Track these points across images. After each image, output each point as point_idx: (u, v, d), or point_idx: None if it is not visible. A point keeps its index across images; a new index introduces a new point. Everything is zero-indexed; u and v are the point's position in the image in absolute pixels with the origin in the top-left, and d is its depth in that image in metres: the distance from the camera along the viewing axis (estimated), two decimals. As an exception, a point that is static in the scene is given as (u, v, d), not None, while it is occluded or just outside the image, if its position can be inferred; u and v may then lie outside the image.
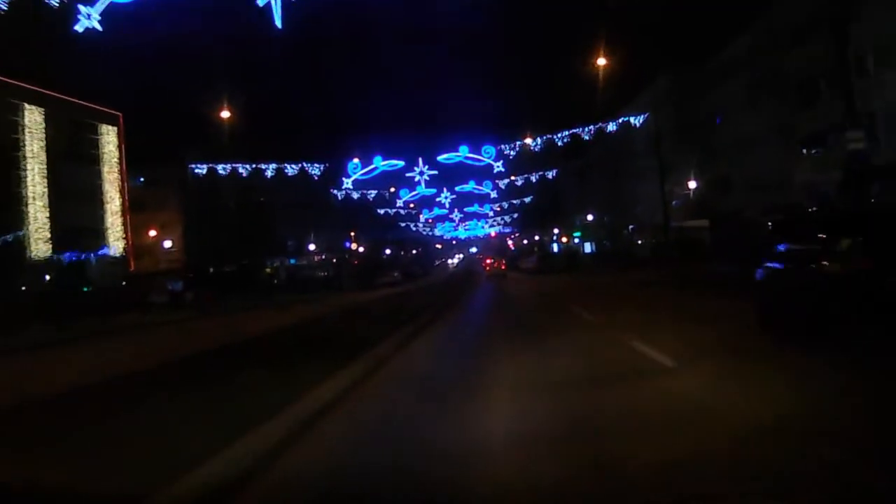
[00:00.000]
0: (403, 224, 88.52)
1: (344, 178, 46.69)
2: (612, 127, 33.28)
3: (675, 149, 46.40)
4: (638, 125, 40.92)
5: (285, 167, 33.46)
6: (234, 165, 31.00)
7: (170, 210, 63.56)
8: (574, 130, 33.14)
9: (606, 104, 41.84)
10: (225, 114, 30.26)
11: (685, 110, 41.37)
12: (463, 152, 46.15)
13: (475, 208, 66.35)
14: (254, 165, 31.88)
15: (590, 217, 61.61)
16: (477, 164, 46.96)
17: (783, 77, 34.05)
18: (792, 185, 31.53)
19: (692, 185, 38.90)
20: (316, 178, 42.78)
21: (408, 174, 49.86)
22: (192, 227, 62.85)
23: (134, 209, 54.63)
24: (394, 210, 64.89)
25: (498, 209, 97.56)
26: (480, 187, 59.53)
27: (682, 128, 44.37)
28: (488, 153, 46.38)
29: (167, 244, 63.37)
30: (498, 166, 46.53)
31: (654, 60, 42.85)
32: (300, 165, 36.23)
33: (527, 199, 63.91)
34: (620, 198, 59.84)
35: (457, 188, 61.73)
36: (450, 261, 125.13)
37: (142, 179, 56.55)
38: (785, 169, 34.02)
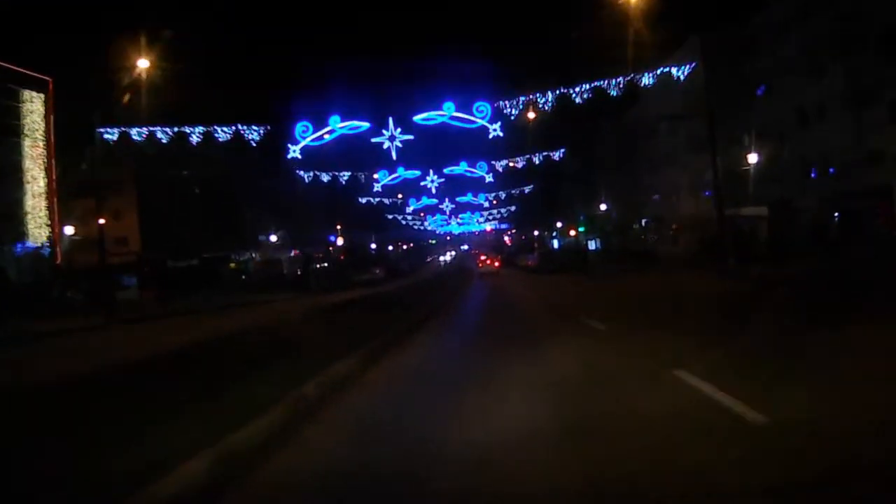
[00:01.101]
0: (391, 216, 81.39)
1: (290, 146, 29.04)
2: (646, 80, 24.90)
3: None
4: (663, 91, 33.24)
5: (215, 130, 24.96)
6: (150, 129, 23.32)
7: (126, 195, 56.36)
8: (597, 83, 24.52)
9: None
10: (143, 62, 22.71)
11: (722, 76, 34.06)
12: (448, 111, 29.26)
13: (468, 198, 58.89)
14: (176, 129, 23.85)
15: (602, 207, 54.24)
16: (469, 125, 29.14)
17: (857, 26, 26.78)
18: (881, 161, 24.25)
19: (752, 159, 31.42)
20: (254, 143, 27.98)
21: (374, 139, 30.91)
22: (148, 213, 55.52)
23: (81, 193, 47.24)
24: (377, 199, 57.34)
25: (494, 202, 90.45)
26: (474, 169, 47.17)
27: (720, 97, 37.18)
28: (482, 111, 29.02)
29: (123, 234, 56.29)
30: (495, 129, 28.21)
31: (685, 17, 35.49)
32: (234, 128, 25.89)
33: (527, 189, 56.58)
34: (635, 187, 52.48)
35: (446, 170, 45.66)
36: (441, 258, 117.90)
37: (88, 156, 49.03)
38: (861, 143, 26.76)
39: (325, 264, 61.91)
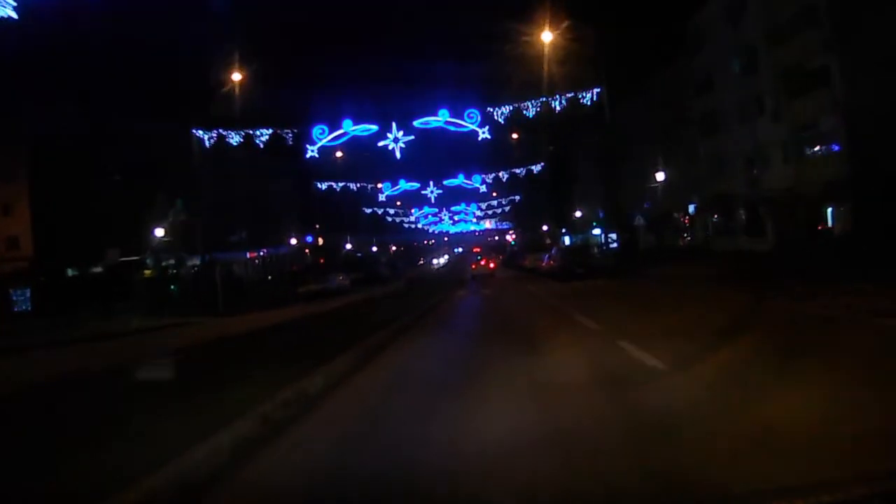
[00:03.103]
0: (378, 211, 69.19)
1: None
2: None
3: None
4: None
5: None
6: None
7: (17, 184, 43.89)
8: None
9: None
10: None
11: None
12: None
13: (460, 180, 46.98)
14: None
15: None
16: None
17: None
18: None
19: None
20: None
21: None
22: (49, 207, 42.92)
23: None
24: (358, 188, 46.43)
25: (494, 194, 77.92)
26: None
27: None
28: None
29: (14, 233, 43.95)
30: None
31: None
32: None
33: (536, 167, 44.20)
34: (684, 164, 39.38)
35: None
36: (435, 260, 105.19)
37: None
38: None
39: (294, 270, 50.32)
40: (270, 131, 27.26)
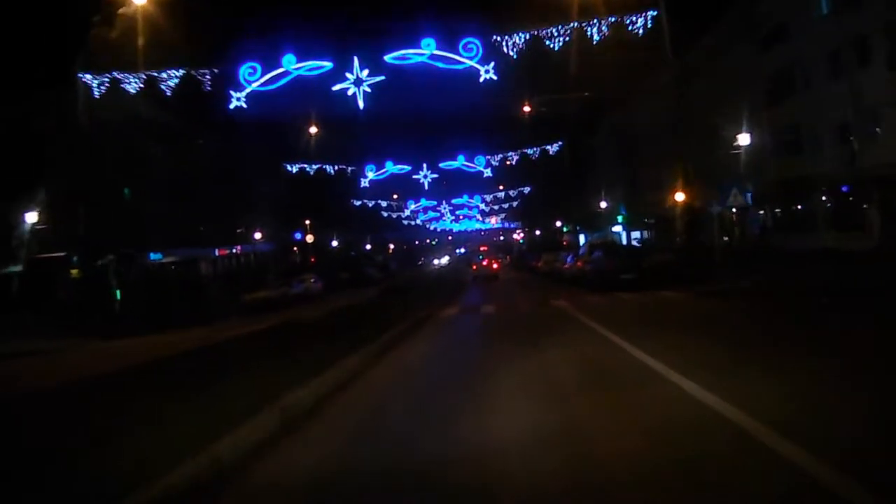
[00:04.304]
0: (368, 204, 61.31)
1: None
2: None
3: None
4: None
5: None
6: None
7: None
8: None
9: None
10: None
11: None
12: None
13: (460, 162, 38.98)
14: None
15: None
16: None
17: None
18: None
19: None
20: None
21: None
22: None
23: None
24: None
25: (501, 188, 69.72)
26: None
27: None
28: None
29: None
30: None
31: None
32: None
33: (553, 149, 36.10)
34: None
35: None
36: (435, 261, 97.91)
37: None
38: None
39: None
40: (181, 72, 19.02)
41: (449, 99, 25.25)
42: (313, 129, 32.93)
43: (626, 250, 27.05)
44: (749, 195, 32.04)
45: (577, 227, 64.05)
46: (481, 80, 18.45)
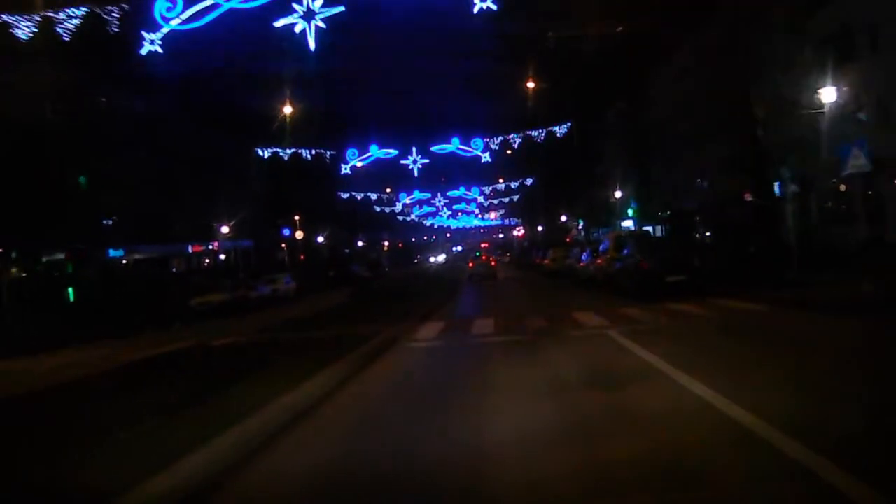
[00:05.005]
0: (357, 196, 56.61)
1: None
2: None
3: None
4: None
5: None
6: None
7: None
8: None
9: None
10: None
11: None
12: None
13: (455, 146, 34.20)
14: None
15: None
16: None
17: None
18: None
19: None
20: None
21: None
22: None
23: None
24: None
25: (501, 180, 64.89)
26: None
27: None
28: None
29: None
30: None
31: None
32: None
33: (560, 131, 31.33)
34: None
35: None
36: (431, 258, 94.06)
37: None
38: None
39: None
40: (82, 11, 14.26)
41: (433, 42, 20.06)
42: (253, 85, 27.32)
43: (669, 244, 22.02)
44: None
45: (581, 222, 59.22)
46: (475, 9, 13.35)
